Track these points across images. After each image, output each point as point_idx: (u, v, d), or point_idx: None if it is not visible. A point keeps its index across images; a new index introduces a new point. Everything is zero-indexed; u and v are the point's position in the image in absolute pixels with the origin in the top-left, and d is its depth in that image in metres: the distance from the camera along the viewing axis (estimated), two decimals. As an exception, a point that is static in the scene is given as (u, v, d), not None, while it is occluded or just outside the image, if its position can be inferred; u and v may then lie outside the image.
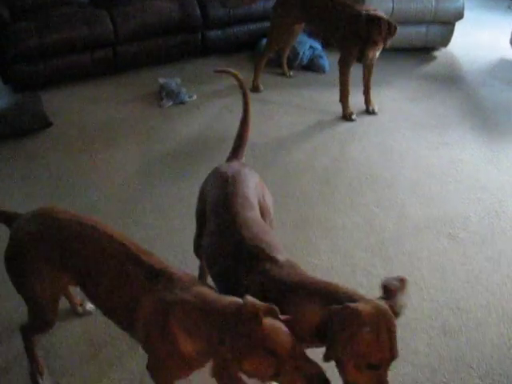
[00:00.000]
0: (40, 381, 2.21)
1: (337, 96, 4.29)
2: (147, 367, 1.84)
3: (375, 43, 3.80)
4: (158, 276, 1.77)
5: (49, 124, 4.12)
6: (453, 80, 5.05)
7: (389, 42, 3.83)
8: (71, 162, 3.75)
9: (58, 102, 4.49)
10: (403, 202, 3.37)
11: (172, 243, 3.02)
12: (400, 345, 2.43)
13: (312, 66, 5.14)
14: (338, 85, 4.26)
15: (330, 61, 5.14)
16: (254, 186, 2.20)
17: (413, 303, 2.65)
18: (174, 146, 3.95)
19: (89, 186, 3.50)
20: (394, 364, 2.31)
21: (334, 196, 3.43)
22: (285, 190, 3.45)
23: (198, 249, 2.45)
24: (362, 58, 3.88)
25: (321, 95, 4.68)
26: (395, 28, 3.79)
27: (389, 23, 3.76)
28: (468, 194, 3.46)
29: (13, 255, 1.95)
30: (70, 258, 1.88)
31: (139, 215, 3.26)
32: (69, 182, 3.54)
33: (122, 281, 1.80)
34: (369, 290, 2.73)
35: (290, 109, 4.47)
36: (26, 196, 3.41)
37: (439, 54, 5.61)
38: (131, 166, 3.73)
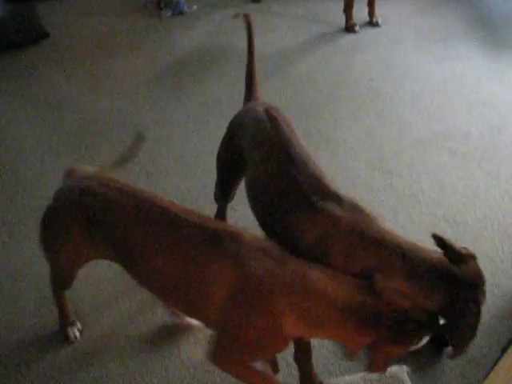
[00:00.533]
0: (70, 331, 2.18)
1: (341, 7, 4.17)
2: (214, 351, 1.62)
3: None
4: (222, 239, 1.54)
5: (45, 35, 4.01)
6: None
7: None
8: (70, 75, 3.69)
9: (54, 13, 4.36)
10: (404, 116, 3.34)
11: (173, 155, 3.02)
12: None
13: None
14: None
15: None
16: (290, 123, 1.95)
17: (411, 215, 2.70)
18: (175, 58, 3.88)
19: (89, 99, 3.46)
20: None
21: (336, 109, 3.40)
22: (286, 102, 3.41)
23: (219, 196, 2.32)
24: None
25: (324, 6, 4.54)
26: None
27: None
28: (470, 109, 3.43)
29: (50, 218, 1.84)
30: (109, 233, 1.68)
31: (141, 127, 3.24)
32: (68, 95, 3.50)
33: (179, 251, 1.57)
34: (367, 202, 2.76)
35: (292, 20, 4.35)
36: (24, 110, 3.37)
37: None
38: (131, 78, 3.67)
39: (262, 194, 1.81)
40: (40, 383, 2.05)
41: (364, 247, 1.56)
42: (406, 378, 1.94)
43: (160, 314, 2.26)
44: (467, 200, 2.81)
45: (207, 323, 1.66)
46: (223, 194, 2.27)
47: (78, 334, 2.18)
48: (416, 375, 2.07)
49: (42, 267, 2.43)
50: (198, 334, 2.19)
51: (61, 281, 2.05)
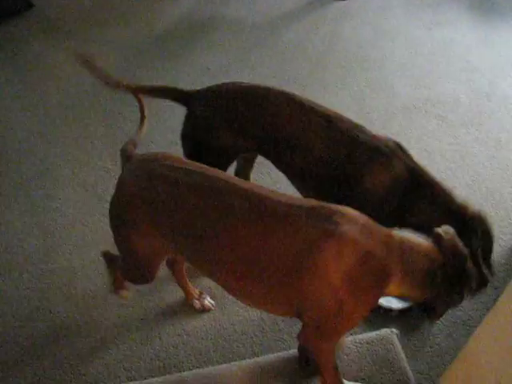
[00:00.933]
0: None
1: None
2: (312, 333, 1.55)
3: None
4: (327, 216, 1.42)
5: (30, 5, 3.96)
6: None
7: None
8: (56, 46, 3.65)
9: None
10: (393, 83, 3.34)
11: (161, 123, 3.02)
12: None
13: None
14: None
15: None
16: None
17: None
18: (163, 26, 3.84)
19: (74, 70, 3.42)
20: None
21: (325, 76, 3.39)
22: (275, 70, 3.40)
23: None
24: None
25: None
26: None
27: None
28: (459, 75, 3.43)
29: (117, 209, 1.66)
30: (179, 220, 1.51)
31: (127, 97, 3.21)
32: (53, 66, 3.46)
33: (271, 234, 1.41)
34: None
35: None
36: (10, 81, 3.35)
37: None
38: (119, 47, 3.64)
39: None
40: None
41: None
42: (395, 340, 1.97)
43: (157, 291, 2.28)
44: (456, 165, 2.83)
45: (286, 310, 1.56)
46: None
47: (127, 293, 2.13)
48: (405, 337, 2.11)
49: (33, 239, 2.46)
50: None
51: (137, 275, 1.84)
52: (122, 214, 1.63)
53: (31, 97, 3.23)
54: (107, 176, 2.74)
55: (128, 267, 1.82)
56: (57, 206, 2.61)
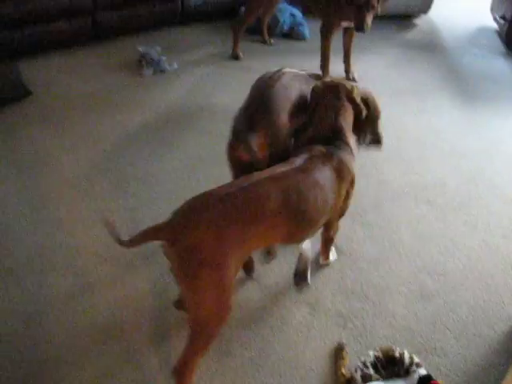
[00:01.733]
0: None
1: (318, 63, 4.28)
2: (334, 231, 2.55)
3: (373, 8, 3.68)
4: (320, 156, 2.21)
5: (28, 93, 4.07)
6: (433, 47, 5.08)
7: (381, 8, 3.77)
8: (52, 132, 3.72)
9: (36, 72, 4.43)
10: (382, 168, 3.41)
11: (153, 211, 3.04)
12: (378, 308, 2.52)
13: (293, 34, 5.13)
14: (319, 52, 4.25)
15: (310, 28, 5.13)
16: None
17: (391, 267, 2.72)
18: (156, 115, 3.93)
19: (70, 157, 3.49)
20: (372, 326, 2.39)
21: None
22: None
23: None
24: (362, 25, 3.69)
25: (302, 63, 4.63)
26: None
27: None
28: (446, 160, 3.51)
29: None
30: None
31: (121, 183, 3.26)
32: (50, 153, 3.51)
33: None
34: (349, 255, 2.78)
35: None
36: (6, 168, 3.38)
37: (420, 21, 5.62)
38: (113, 135, 3.70)
39: None
40: None
41: None
42: None
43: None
44: (446, 250, 2.84)
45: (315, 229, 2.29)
46: None
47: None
48: None
49: (21, 328, 2.39)
50: None
51: None
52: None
53: (26, 181, 3.26)
54: (99, 261, 2.72)
55: None
56: (49, 293, 2.58)
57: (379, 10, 3.73)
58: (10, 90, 3.99)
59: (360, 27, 3.70)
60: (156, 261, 2.69)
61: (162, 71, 4.45)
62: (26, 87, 4.07)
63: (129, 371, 2.22)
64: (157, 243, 1.92)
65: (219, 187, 1.96)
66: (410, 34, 5.33)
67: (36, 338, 2.36)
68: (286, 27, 5.10)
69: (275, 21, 5.04)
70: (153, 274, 2.65)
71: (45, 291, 2.58)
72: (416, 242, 2.89)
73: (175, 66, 4.52)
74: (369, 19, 3.69)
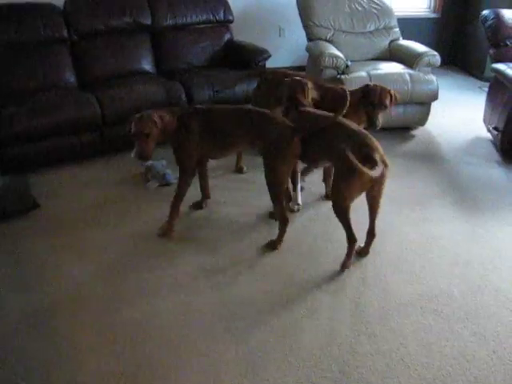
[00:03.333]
0: None
1: (320, 177, 4.39)
2: None
3: (385, 107, 4.06)
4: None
5: (36, 206, 4.17)
6: (431, 157, 5.21)
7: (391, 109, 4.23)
8: (58, 244, 3.76)
9: (45, 184, 4.56)
10: (387, 279, 3.39)
11: (156, 325, 3.01)
12: (388, 425, 2.42)
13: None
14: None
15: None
16: None
17: (400, 380, 2.64)
18: (157, 227, 3.98)
19: (75, 268, 3.51)
20: None
21: (318, 273, 3.45)
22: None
23: None
24: (375, 122, 4.06)
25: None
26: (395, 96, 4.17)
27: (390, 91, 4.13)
28: (450, 270, 3.50)
29: None
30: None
31: (125, 295, 3.25)
32: (55, 264, 3.54)
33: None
34: (354, 368, 2.72)
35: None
36: (11, 278, 3.40)
37: (417, 132, 5.81)
38: (118, 247, 3.74)
39: None
40: None
41: None
42: None
43: None
44: (456, 362, 2.77)
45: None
46: None
47: None
48: None
49: None
50: None
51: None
52: None
53: (30, 295, 3.26)
54: (101, 379, 2.66)
55: None
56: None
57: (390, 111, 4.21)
58: (19, 202, 4.09)
59: (373, 124, 4.05)
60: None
61: (168, 184, 4.55)
62: (35, 200, 4.18)
63: None
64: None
65: None
66: (409, 145, 5.49)
67: None
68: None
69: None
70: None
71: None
72: (424, 354, 2.82)
73: (180, 179, 4.63)
74: (380, 117, 4.07)
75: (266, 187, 3.57)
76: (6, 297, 3.26)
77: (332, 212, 3.39)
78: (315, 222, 4.06)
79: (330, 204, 3.43)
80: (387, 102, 4.03)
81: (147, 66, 5.71)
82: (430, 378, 2.67)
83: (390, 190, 4.44)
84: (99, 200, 4.37)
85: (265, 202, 3.94)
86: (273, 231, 3.79)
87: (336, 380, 2.65)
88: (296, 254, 3.66)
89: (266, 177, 3.57)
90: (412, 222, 4.04)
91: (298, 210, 4.20)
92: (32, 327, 3.01)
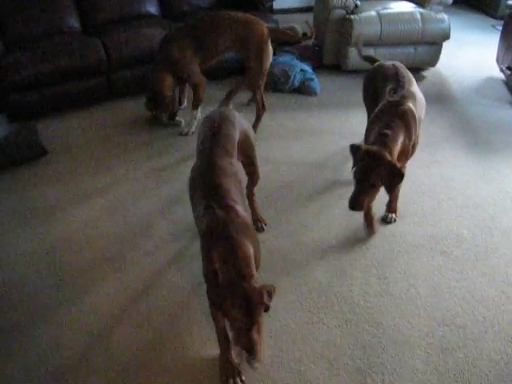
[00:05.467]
0: None
1: (329, 119, 4.35)
2: None
3: (374, 187, 2.86)
4: None
5: (44, 152, 4.17)
6: (442, 99, 5.14)
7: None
8: (67, 189, 3.78)
9: (53, 131, 4.55)
10: (397, 221, 3.40)
11: (160, 264, 3.07)
12: (398, 363, 2.49)
13: (303, 89, 5.20)
14: (329, 107, 4.31)
15: (321, 83, 5.23)
16: (236, 117, 2.91)
17: (409, 321, 2.68)
18: (170, 172, 3.99)
19: (84, 213, 3.54)
20: (393, 382, 2.35)
21: (329, 219, 3.46)
22: (274, 207, 3.49)
23: None
24: (353, 202, 2.85)
25: (313, 118, 4.74)
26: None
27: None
28: (460, 211, 3.50)
29: None
30: None
31: (135, 239, 3.29)
32: (65, 211, 3.56)
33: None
34: (366, 309, 2.76)
35: (283, 132, 4.52)
36: (23, 225, 3.43)
37: (428, 73, 5.71)
38: (126, 191, 3.76)
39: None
40: None
41: None
42: None
43: None
44: (465, 302, 2.81)
45: None
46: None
47: None
48: None
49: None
50: None
51: None
52: None
53: (40, 238, 3.30)
54: (113, 321, 2.72)
55: None
56: (62, 351, 2.57)
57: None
58: (28, 149, 4.08)
59: (350, 204, 2.85)
60: (175, 323, 2.69)
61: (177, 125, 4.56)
62: (43, 147, 4.17)
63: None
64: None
65: None
66: (419, 87, 5.38)
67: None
68: (296, 83, 5.18)
69: (286, 76, 5.13)
70: (172, 334, 2.65)
71: (59, 349, 2.57)
72: (433, 294, 2.85)
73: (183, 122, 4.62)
74: (365, 199, 2.85)
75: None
76: (16, 237, 3.30)
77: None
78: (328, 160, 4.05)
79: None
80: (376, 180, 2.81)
81: (152, 8, 5.58)
82: (439, 318, 2.71)
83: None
84: (108, 145, 4.35)
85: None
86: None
87: (347, 320, 2.70)
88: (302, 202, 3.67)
89: (253, 69, 4.18)
90: (422, 165, 4.01)
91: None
92: (43, 271, 3.06)
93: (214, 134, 2.69)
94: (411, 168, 3.94)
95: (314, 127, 4.59)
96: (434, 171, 3.95)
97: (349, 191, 2.91)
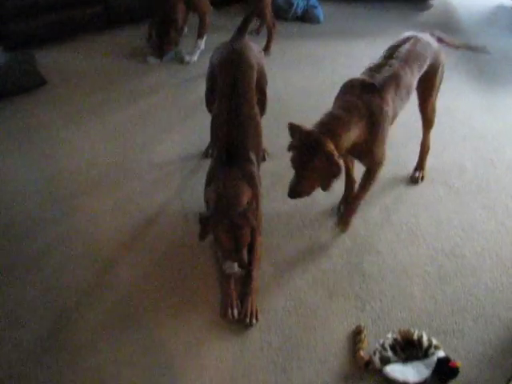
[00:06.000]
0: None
1: (332, 47, 4.26)
2: None
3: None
4: None
5: (43, 82, 4.11)
6: (450, 28, 5.00)
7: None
8: (67, 120, 3.76)
9: (52, 60, 4.46)
10: (399, 151, 3.38)
11: (166, 188, 3.10)
12: (396, 290, 2.52)
13: (306, 17, 5.07)
14: (333, 35, 4.22)
15: (324, 11, 5.09)
16: (254, 54, 2.87)
17: (409, 250, 2.72)
18: (166, 100, 3.96)
19: (83, 143, 3.52)
20: (390, 308, 2.39)
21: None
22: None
23: (208, 103, 3.03)
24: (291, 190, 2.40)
25: (316, 46, 4.64)
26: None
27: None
28: (464, 143, 3.48)
29: None
30: None
31: (134, 168, 3.31)
32: (64, 140, 3.55)
33: None
34: (365, 238, 2.79)
35: (286, 60, 4.43)
36: (22, 154, 3.43)
37: (436, 1, 5.54)
38: (125, 121, 3.74)
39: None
40: None
41: None
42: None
43: (162, 356, 2.27)
44: (464, 233, 2.83)
45: None
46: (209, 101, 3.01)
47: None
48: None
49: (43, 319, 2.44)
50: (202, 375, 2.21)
51: None
52: None
53: (41, 170, 3.30)
54: (119, 249, 2.76)
55: None
56: (69, 281, 2.61)
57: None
58: (26, 78, 4.03)
59: (289, 192, 2.41)
60: (184, 251, 2.73)
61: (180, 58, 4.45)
62: (42, 76, 4.11)
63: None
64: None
65: None
66: (426, 15, 5.25)
67: (58, 326, 2.41)
68: (299, 10, 5.05)
69: (289, 3, 4.99)
70: (180, 261, 2.69)
71: (65, 279, 2.62)
72: (433, 225, 2.88)
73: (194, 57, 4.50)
74: (304, 189, 2.41)
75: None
76: (18, 175, 3.30)
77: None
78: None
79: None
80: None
81: None
82: (438, 247, 2.74)
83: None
84: (106, 75, 4.29)
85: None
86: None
87: (347, 249, 2.73)
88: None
89: None
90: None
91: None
92: (48, 203, 3.08)
93: (234, 83, 2.69)
94: (414, 97, 3.89)
95: (316, 56, 4.49)
96: (438, 102, 3.87)
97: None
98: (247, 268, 2.42)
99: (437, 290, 2.52)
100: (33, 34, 4.57)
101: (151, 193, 3.11)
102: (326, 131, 2.29)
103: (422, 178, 3.17)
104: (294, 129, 2.36)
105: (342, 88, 2.59)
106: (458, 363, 2.12)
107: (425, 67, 2.72)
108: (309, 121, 3.35)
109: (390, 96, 2.48)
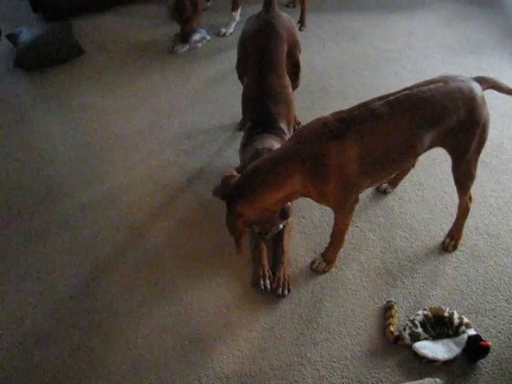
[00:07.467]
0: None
1: (369, 20, 4.19)
2: None
3: None
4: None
5: (81, 52, 4.14)
6: (490, 2, 4.86)
7: None
8: (102, 89, 3.80)
9: (89, 30, 4.49)
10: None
11: (199, 158, 3.10)
12: (429, 268, 2.51)
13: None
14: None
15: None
16: (283, 24, 2.83)
17: (442, 227, 2.69)
18: (201, 71, 3.96)
19: (120, 115, 3.56)
20: (422, 285, 2.38)
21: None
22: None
23: (240, 75, 3.01)
24: None
25: (354, 19, 4.56)
26: None
27: None
28: (502, 120, 3.41)
29: None
30: None
31: (168, 137, 3.35)
32: (100, 108, 3.60)
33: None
34: (398, 214, 2.77)
35: (322, 33, 4.37)
36: (59, 122, 3.48)
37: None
38: (159, 91, 3.77)
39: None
40: None
41: None
42: (439, 390, 1.95)
43: (193, 323, 2.31)
44: (500, 212, 2.79)
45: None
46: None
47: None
48: (449, 388, 2.07)
49: (77, 279, 2.49)
50: (231, 345, 2.24)
51: None
52: None
53: (77, 138, 3.35)
54: (152, 216, 2.80)
55: None
56: (102, 247, 2.67)
57: None
58: (64, 49, 4.07)
59: None
60: (215, 219, 2.75)
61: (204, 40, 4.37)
62: (80, 46, 4.15)
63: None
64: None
65: None
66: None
67: (90, 287, 2.47)
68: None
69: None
70: (211, 230, 2.72)
71: (98, 245, 2.68)
72: (469, 203, 2.84)
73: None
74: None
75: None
76: (55, 142, 3.36)
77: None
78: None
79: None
80: None
81: None
82: (472, 225, 2.71)
83: (444, 38, 4.24)
84: (144, 46, 4.29)
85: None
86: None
87: (380, 224, 2.72)
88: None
89: None
90: (465, 71, 3.83)
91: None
92: (82, 169, 3.15)
93: (263, 54, 2.71)
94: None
95: (353, 29, 4.42)
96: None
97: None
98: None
99: (469, 269, 2.51)
100: (71, 5, 4.58)
101: (184, 162, 3.13)
102: (241, 194, 2.11)
103: (455, 247, 2.61)
104: (216, 194, 2.30)
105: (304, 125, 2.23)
106: (489, 342, 2.12)
107: (447, 122, 2.17)
108: (344, 95, 3.35)
109: (355, 148, 2.03)
